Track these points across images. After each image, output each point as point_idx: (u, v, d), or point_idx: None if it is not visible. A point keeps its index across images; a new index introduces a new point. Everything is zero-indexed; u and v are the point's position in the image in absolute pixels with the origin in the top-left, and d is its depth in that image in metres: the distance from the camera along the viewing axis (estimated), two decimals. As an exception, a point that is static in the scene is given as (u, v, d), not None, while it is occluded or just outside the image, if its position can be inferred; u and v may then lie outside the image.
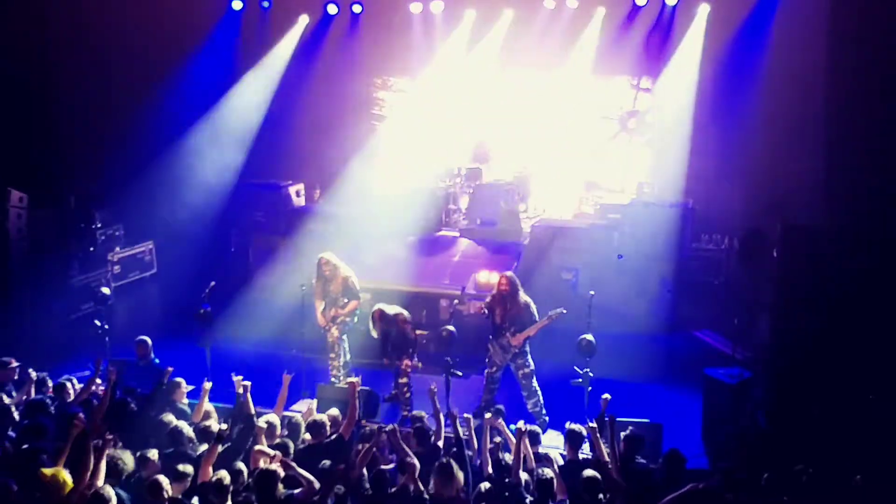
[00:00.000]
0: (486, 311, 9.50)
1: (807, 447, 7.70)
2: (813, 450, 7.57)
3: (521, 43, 14.45)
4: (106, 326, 10.54)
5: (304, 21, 14.91)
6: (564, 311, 9.18)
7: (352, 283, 10.22)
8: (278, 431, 7.67)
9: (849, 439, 7.93)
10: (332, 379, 10.18)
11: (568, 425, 7.69)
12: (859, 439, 7.93)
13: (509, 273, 9.70)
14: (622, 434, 7.41)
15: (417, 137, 15.19)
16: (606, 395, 7.69)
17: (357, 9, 14.46)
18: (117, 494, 6.29)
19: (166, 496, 6.33)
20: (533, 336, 9.31)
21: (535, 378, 9.47)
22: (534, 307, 9.36)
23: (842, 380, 8.77)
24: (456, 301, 11.43)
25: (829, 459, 7.29)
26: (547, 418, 9.48)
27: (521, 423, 7.14)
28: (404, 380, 9.71)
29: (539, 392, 9.49)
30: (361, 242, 12.40)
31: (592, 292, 9.62)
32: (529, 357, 9.45)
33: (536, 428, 7.95)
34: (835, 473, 6.96)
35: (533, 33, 14.43)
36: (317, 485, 6.48)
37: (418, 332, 9.78)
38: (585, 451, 7.74)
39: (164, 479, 6.42)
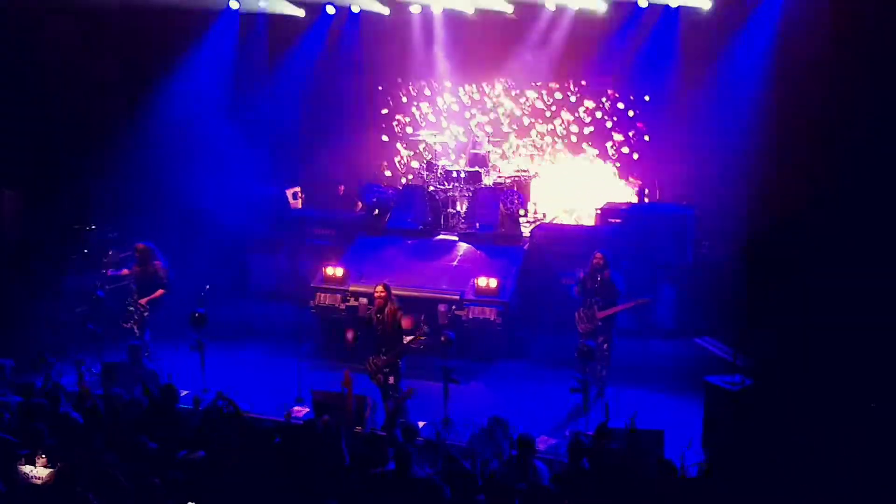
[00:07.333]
0: (580, 280, 9.96)
1: (806, 454, 7.61)
2: (812, 457, 7.49)
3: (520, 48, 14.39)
4: (98, 330, 10.39)
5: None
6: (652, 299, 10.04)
7: None
8: None
9: (849, 445, 7.84)
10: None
11: (569, 435, 7.57)
12: (859, 445, 7.84)
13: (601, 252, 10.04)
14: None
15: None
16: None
17: (356, 8, 14.33)
18: None
19: None
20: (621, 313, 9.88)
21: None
22: (620, 286, 9.89)
23: (844, 385, 8.67)
24: (454, 306, 11.29)
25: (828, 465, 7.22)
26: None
27: None
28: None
29: (609, 363, 9.94)
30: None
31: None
32: (614, 331, 10.00)
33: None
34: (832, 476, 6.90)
35: (532, 40, 14.36)
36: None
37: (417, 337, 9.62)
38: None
39: None
